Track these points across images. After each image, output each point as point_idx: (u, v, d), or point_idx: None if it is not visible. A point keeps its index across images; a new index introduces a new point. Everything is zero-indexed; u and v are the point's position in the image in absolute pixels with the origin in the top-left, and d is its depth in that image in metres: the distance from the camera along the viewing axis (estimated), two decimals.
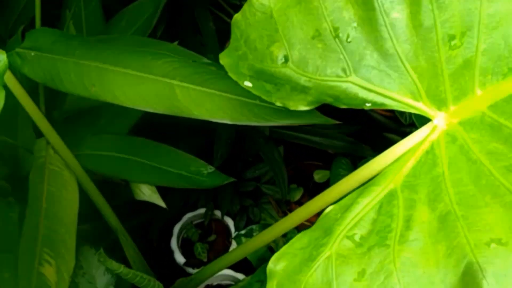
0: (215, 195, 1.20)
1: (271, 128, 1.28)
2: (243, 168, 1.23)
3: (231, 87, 0.50)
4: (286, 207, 1.30)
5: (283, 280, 0.35)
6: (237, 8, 0.86)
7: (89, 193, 0.76)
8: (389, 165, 0.45)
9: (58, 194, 0.70)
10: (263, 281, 0.94)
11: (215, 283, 1.10)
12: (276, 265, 0.36)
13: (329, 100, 0.45)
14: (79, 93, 0.59)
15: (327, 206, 0.45)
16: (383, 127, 1.44)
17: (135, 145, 0.81)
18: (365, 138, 1.38)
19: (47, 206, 0.69)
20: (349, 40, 0.43)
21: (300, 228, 0.56)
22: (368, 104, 0.44)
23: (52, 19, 0.88)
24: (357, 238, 0.39)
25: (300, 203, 1.35)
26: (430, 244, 0.36)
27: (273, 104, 0.44)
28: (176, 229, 1.12)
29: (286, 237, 1.11)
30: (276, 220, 1.16)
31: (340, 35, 0.44)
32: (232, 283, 1.11)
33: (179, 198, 1.14)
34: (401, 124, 1.44)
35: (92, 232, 0.83)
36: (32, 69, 0.63)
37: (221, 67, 0.45)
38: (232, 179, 0.85)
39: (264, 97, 0.44)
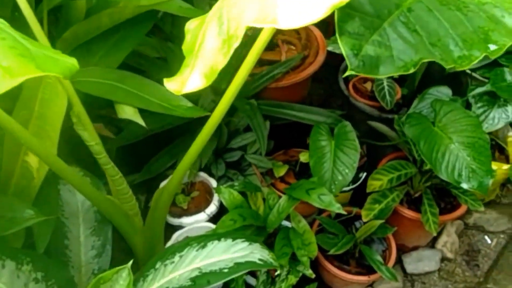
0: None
1: (259, 105, 1.38)
2: (229, 139, 1.32)
3: None
4: (270, 180, 1.37)
5: None
6: None
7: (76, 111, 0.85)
8: None
9: (49, 100, 0.79)
10: (235, 220, 1.00)
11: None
12: None
13: None
14: None
15: None
16: (367, 115, 1.52)
17: (124, 77, 0.91)
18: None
19: (39, 109, 0.79)
20: None
21: None
22: None
23: None
24: None
25: (283, 179, 1.41)
26: None
27: None
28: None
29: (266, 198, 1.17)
30: (260, 189, 1.23)
31: None
32: None
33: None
34: (383, 111, 1.52)
35: (77, 153, 0.91)
36: None
37: None
38: (208, 113, 0.94)
39: None
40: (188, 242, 0.72)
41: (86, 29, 0.86)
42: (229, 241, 0.69)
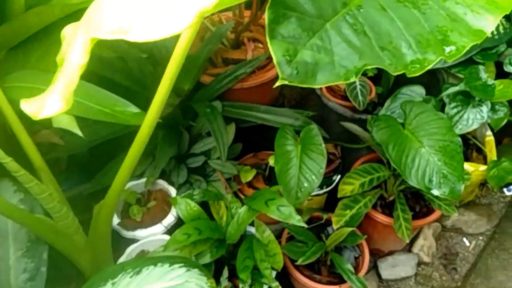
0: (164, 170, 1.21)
1: (224, 107, 1.30)
2: (191, 144, 1.24)
3: None
4: (237, 186, 1.30)
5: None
6: None
7: (10, 122, 0.78)
8: None
9: None
10: (190, 234, 0.93)
11: (151, 249, 1.09)
12: None
13: None
14: None
15: None
16: (340, 116, 1.46)
17: None
18: (322, 126, 1.38)
19: None
20: None
21: None
22: None
23: None
24: None
25: (251, 184, 1.34)
26: None
27: None
28: None
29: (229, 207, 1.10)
30: (223, 197, 1.15)
31: None
32: None
33: None
34: (356, 111, 1.46)
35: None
36: None
37: None
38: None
39: None
40: (123, 266, 0.65)
41: (14, 30, 0.78)
42: (166, 266, 0.62)
